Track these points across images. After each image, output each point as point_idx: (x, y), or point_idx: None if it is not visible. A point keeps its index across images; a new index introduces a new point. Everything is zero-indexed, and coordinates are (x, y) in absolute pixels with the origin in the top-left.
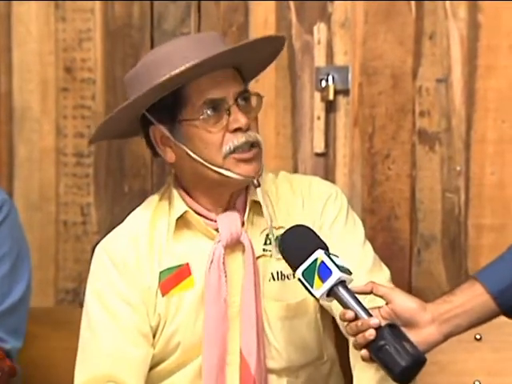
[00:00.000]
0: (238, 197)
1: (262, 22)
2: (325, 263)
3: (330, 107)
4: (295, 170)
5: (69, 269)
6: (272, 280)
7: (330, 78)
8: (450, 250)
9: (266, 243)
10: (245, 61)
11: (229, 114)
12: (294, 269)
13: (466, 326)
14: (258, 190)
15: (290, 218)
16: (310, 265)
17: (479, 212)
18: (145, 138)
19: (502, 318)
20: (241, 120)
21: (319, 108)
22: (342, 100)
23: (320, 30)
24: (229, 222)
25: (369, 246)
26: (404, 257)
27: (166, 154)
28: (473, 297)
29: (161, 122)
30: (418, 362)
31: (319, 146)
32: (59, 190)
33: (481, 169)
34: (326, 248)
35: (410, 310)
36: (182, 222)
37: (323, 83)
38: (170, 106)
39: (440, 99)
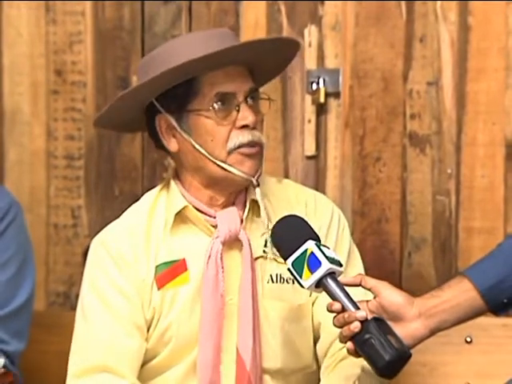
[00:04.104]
0: (237, 195)
1: (253, 25)
2: (314, 254)
3: (321, 110)
4: (286, 173)
5: (59, 271)
6: (271, 282)
7: (321, 80)
8: (440, 252)
9: (266, 245)
10: (257, 60)
11: (238, 111)
12: (285, 258)
13: (452, 321)
14: (257, 189)
15: None
16: (299, 255)
17: (470, 214)
18: (148, 128)
19: (492, 321)
20: (249, 118)
21: (310, 111)
22: (332, 103)
23: (311, 33)
24: (228, 218)
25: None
26: (394, 259)
27: (170, 144)
28: (460, 292)
29: (168, 111)
30: (403, 356)
31: (310, 149)
32: (50, 193)
33: (471, 171)
34: (317, 239)
35: (396, 304)
36: (179, 216)
37: (314, 86)
38: (180, 95)
39: (431, 102)
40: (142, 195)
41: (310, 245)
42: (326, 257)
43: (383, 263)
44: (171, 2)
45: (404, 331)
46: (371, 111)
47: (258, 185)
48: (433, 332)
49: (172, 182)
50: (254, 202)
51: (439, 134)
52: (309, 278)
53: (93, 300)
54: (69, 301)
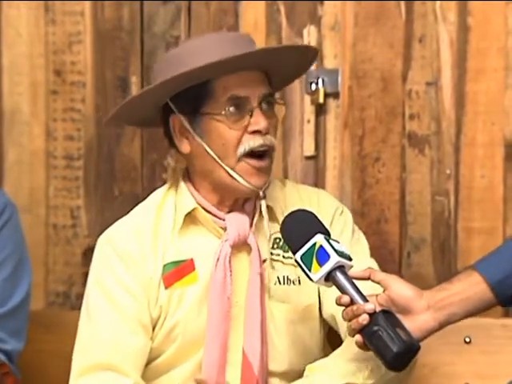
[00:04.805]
0: (247, 199)
1: (252, 25)
2: (323, 248)
3: (320, 110)
4: (285, 173)
5: (59, 272)
6: (278, 283)
7: (320, 81)
8: (439, 252)
9: (273, 247)
10: (273, 66)
11: (251, 115)
12: (294, 252)
13: (462, 314)
14: (263, 202)
15: None
16: (308, 249)
17: (469, 215)
18: (163, 127)
19: (491, 321)
20: (261, 123)
21: (309, 111)
22: (331, 103)
23: (310, 33)
24: (237, 222)
25: (373, 260)
26: (394, 260)
27: (182, 145)
28: (470, 285)
29: (182, 113)
30: (411, 349)
31: (309, 149)
32: (49, 193)
33: (470, 172)
34: (326, 233)
35: (405, 297)
36: (188, 217)
37: (313, 86)
38: (194, 97)
39: (430, 102)
40: (141, 196)
41: (319, 238)
42: (335, 250)
43: (383, 263)
44: (170, 2)
45: (413, 324)
46: (370, 111)
47: (265, 197)
48: (442, 325)
49: (181, 183)
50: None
51: (438, 135)
52: (318, 272)
53: (98, 298)
54: (68, 301)
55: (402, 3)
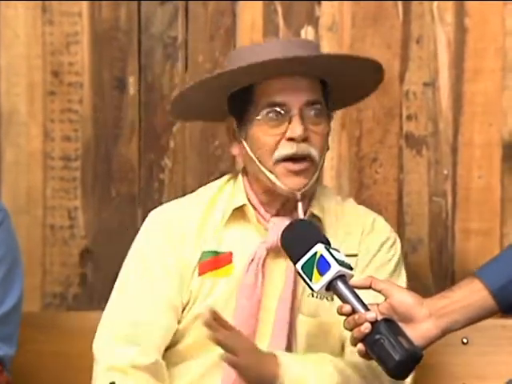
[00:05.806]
0: (296, 204)
1: (250, 25)
2: (324, 257)
3: None
4: None
5: (56, 273)
6: (311, 296)
7: None
8: (437, 253)
9: None
10: (330, 75)
11: (290, 122)
12: (294, 262)
13: (464, 321)
14: (300, 204)
15: (344, 244)
16: (309, 258)
17: (466, 216)
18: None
19: (489, 322)
20: (296, 131)
21: None
22: None
23: (307, 34)
24: (279, 227)
25: None
26: None
27: (232, 147)
28: (471, 293)
29: (233, 115)
30: (413, 357)
31: None
32: (46, 194)
33: (468, 172)
34: (327, 242)
35: (406, 305)
36: (238, 211)
37: None
38: (240, 101)
39: (427, 103)
40: (138, 196)
41: (319, 248)
42: (336, 259)
43: None
44: (168, 3)
45: (415, 332)
46: (368, 112)
47: (301, 199)
48: (444, 332)
49: (240, 176)
50: (313, 216)
51: (436, 135)
52: (319, 281)
53: (136, 271)
54: (65, 302)
55: (400, 4)
